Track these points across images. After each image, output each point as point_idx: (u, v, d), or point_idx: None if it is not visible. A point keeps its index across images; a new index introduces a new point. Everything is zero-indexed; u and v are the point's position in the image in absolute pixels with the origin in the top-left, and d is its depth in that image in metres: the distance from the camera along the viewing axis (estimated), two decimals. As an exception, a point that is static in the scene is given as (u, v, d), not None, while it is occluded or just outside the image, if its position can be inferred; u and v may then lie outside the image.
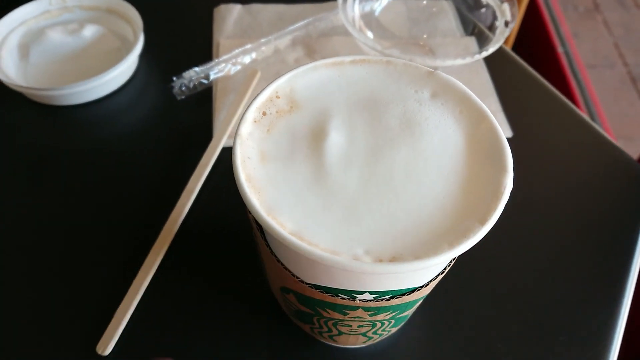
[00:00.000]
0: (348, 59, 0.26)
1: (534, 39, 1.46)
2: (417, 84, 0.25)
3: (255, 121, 0.24)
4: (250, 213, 0.25)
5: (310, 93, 0.25)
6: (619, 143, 0.44)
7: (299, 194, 0.21)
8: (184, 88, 0.43)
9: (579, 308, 0.33)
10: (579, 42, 1.67)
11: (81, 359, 0.30)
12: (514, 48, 1.38)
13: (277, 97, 0.25)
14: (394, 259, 0.19)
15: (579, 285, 0.34)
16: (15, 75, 0.42)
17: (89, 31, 0.45)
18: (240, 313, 0.32)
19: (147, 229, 0.35)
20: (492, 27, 0.44)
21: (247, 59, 0.45)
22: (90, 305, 0.32)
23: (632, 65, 1.65)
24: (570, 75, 1.36)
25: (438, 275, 0.24)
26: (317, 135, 0.23)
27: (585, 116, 0.44)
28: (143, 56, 0.46)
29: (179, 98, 0.43)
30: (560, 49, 1.41)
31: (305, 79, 0.25)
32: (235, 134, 0.23)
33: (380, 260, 0.19)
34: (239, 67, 0.45)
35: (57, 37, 0.44)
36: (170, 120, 0.43)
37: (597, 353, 0.32)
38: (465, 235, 0.20)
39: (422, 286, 0.24)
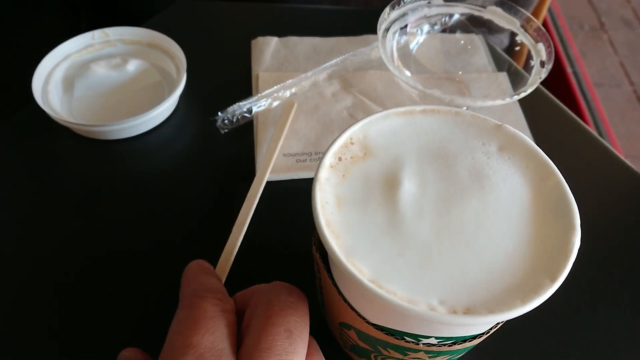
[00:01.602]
0: (419, 108, 0.27)
1: None
2: (485, 136, 0.26)
3: (331, 166, 0.25)
4: (316, 249, 0.27)
5: (382, 140, 0.26)
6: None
7: (375, 239, 0.22)
8: (226, 121, 0.44)
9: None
10: (585, 61, 1.68)
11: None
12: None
13: (352, 143, 0.26)
14: (468, 311, 0.20)
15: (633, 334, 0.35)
16: (60, 108, 0.43)
17: (132, 65, 0.46)
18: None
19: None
20: (525, 65, 0.45)
21: (287, 94, 0.46)
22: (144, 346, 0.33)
23: (638, 84, 1.66)
24: (579, 95, 1.37)
25: (499, 322, 0.25)
26: (390, 183, 0.24)
27: (617, 152, 0.45)
28: (183, 89, 0.48)
29: (222, 132, 0.44)
30: (569, 69, 1.42)
31: (378, 127, 0.26)
32: (314, 179, 0.24)
33: (455, 312, 0.20)
34: (279, 101, 0.46)
35: (101, 71, 0.45)
36: (213, 153, 0.43)
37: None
38: (536, 291, 0.21)
39: (483, 333, 0.24)
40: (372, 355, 0.28)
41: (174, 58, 0.47)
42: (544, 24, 1.50)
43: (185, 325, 0.25)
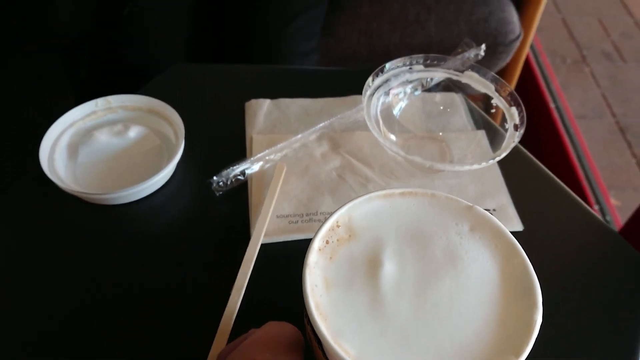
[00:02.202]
0: (398, 191, 0.30)
1: (529, 97, 1.52)
2: (458, 217, 0.29)
3: (319, 249, 0.28)
4: (307, 322, 0.29)
5: (365, 222, 0.29)
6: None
7: (359, 320, 0.25)
8: (221, 184, 0.46)
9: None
10: (568, 95, 1.74)
11: None
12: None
13: (338, 225, 0.29)
14: (442, 386, 0.23)
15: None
16: (64, 174, 0.46)
17: (133, 132, 0.48)
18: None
19: (199, 325, 0.38)
20: (502, 125, 0.48)
21: (278, 156, 0.49)
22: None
23: (620, 115, 1.71)
24: (562, 129, 1.42)
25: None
26: (372, 263, 0.27)
27: (590, 209, 0.48)
28: (186, 159, 0.50)
29: (217, 194, 0.47)
30: (552, 105, 1.47)
31: (362, 209, 0.29)
32: (304, 264, 0.27)
33: (430, 386, 0.23)
34: (271, 163, 0.49)
35: (104, 138, 0.48)
36: (209, 215, 0.46)
37: None
38: (502, 366, 0.23)
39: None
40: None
41: (172, 124, 0.49)
42: (526, 61, 1.56)
43: None
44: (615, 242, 0.46)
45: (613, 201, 1.42)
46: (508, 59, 0.98)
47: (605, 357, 0.39)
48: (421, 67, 0.51)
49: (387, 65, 0.49)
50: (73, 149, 0.48)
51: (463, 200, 0.30)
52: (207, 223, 0.45)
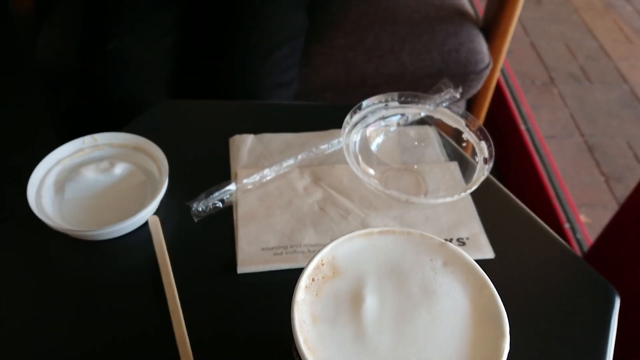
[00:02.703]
0: (377, 230, 0.33)
1: (501, 120, 1.58)
2: (432, 253, 0.32)
3: (306, 287, 0.30)
4: (296, 355, 0.31)
5: (348, 260, 0.31)
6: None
7: (345, 353, 0.27)
8: (200, 209, 0.48)
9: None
10: (538, 115, 1.81)
11: None
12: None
13: (322, 264, 0.31)
14: (420, 413, 0.25)
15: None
16: (51, 210, 0.47)
17: (119, 169, 0.50)
18: None
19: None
20: (473, 156, 0.51)
21: (257, 184, 0.52)
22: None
23: (588, 135, 1.78)
24: (532, 149, 1.48)
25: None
26: (355, 299, 0.29)
27: (557, 237, 0.51)
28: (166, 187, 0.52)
29: (195, 220, 0.49)
30: (522, 127, 1.53)
31: (344, 248, 0.32)
32: (292, 301, 0.29)
33: (410, 414, 0.25)
34: (250, 189, 0.51)
35: (90, 175, 0.50)
36: (192, 244, 0.48)
37: None
38: (475, 391, 0.26)
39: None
40: None
41: (156, 161, 0.51)
42: (497, 84, 1.62)
43: None
44: (581, 267, 0.50)
45: (583, 218, 1.48)
46: (479, 86, 1.02)
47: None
48: (396, 103, 0.54)
49: (364, 102, 0.52)
50: (59, 186, 0.50)
51: (436, 238, 0.33)
52: (190, 253, 0.47)
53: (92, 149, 0.52)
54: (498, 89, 1.62)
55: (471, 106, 1.13)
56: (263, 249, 0.47)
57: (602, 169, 1.69)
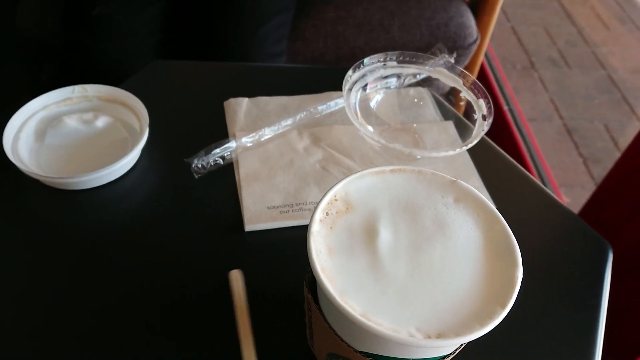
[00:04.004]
0: (388, 168, 0.33)
1: None
2: (443, 190, 0.32)
3: (321, 221, 0.30)
4: (306, 285, 0.31)
5: (360, 196, 0.31)
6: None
7: (361, 281, 0.27)
8: (201, 166, 0.48)
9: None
10: (520, 98, 1.84)
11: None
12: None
13: (336, 199, 0.31)
14: (440, 335, 0.26)
15: (557, 343, 0.41)
16: (28, 157, 0.46)
17: (101, 122, 0.50)
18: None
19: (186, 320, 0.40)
20: (469, 116, 0.52)
21: (256, 143, 0.51)
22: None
23: (567, 118, 1.82)
24: (515, 130, 1.51)
25: (462, 345, 0.30)
26: (369, 232, 0.29)
27: (550, 192, 0.52)
28: (154, 144, 0.51)
29: (196, 176, 0.48)
30: (505, 107, 1.55)
31: (356, 185, 0.32)
32: (308, 232, 0.29)
33: (429, 337, 0.25)
34: (250, 147, 0.51)
35: (72, 124, 0.49)
36: (194, 203, 0.47)
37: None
38: (490, 317, 0.26)
39: (451, 354, 0.30)
40: (357, 380, 0.33)
41: (141, 119, 0.50)
42: (481, 66, 1.64)
43: None
44: (572, 221, 0.51)
45: (563, 198, 1.51)
46: (466, 62, 1.03)
47: (568, 327, 0.43)
48: (394, 63, 0.54)
49: (366, 60, 0.52)
50: (40, 134, 0.49)
51: (447, 176, 0.33)
52: (193, 211, 0.47)
53: (80, 99, 0.51)
54: (482, 70, 1.64)
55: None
56: (269, 208, 0.47)
57: (580, 150, 1.72)
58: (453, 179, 0.33)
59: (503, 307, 0.27)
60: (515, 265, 0.28)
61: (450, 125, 0.55)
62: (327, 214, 0.30)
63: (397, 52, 0.53)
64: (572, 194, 1.55)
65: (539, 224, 0.50)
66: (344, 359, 0.31)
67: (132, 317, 0.39)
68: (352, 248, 0.29)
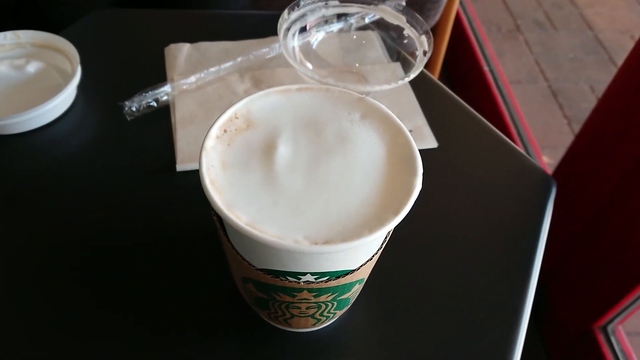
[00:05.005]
0: (295, 87, 0.32)
1: (462, 59, 1.58)
2: (350, 107, 0.31)
3: (217, 137, 0.29)
4: (214, 213, 0.31)
5: (263, 114, 0.30)
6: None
7: (253, 193, 0.27)
8: (134, 108, 0.47)
9: (495, 290, 0.40)
10: (504, 61, 1.82)
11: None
12: (444, 66, 1.50)
13: (236, 117, 0.30)
14: (327, 242, 0.25)
15: (492, 275, 0.41)
16: None
17: (33, 67, 0.48)
18: (208, 306, 0.37)
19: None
20: (413, 55, 0.51)
21: (194, 85, 0.50)
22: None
23: (552, 80, 1.80)
24: (496, 91, 1.49)
25: (367, 261, 0.30)
26: (268, 148, 0.29)
27: (494, 128, 0.51)
28: (91, 89, 0.50)
29: (129, 119, 0.47)
30: (485, 67, 1.53)
31: (260, 103, 0.31)
32: (201, 147, 0.28)
33: (316, 243, 0.25)
34: (187, 89, 0.49)
35: (2, 69, 0.47)
36: (126, 145, 0.47)
37: (511, 324, 0.38)
38: (382, 223, 0.26)
39: (353, 270, 0.29)
40: (270, 304, 0.32)
41: (72, 60, 0.49)
42: (461, 26, 1.61)
43: None
44: (521, 159, 0.50)
45: (546, 159, 1.50)
46: (437, 17, 1.01)
47: (507, 258, 0.43)
48: (336, 2, 0.53)
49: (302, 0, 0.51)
50: None
51: (355, 93, 0.32)
52: (124, 153, 0.46)
53: (13, 46, 0.50)
54: (462, 32, 1.61)
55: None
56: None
57: (565, 112, 1.71)
58: (361, 96, 0.32)
59: (396, 214, 0.26)
60: (414, 174, 0.28)
61: (397, 66, 0.54)
62: (225, 130, 0.29)
63: (337, -11, 0.52)
64: (556, 154, 1.54)
65: (485, 161, 0.49)
66: (252, 281, 0.31)
67: (60, 266, 0.39)
68: (248, 163, 0.28)
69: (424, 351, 0.36)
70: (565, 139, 1.62)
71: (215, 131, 0.29)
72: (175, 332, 0.36)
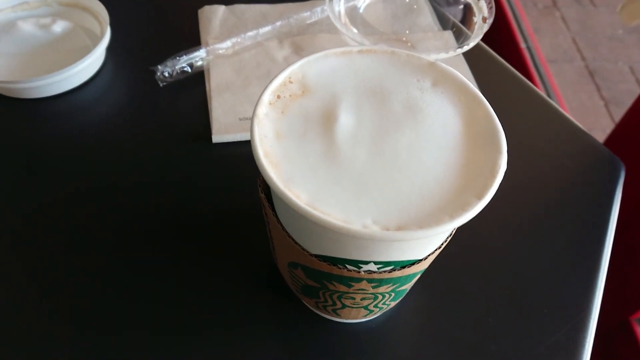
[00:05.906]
0: (356, 49, 0.28)
1: (499, 35, 1.51)
2: (419, 73, 0.27)
3: (270, 103, 0.25)
4: (262, 189, 0.27)
5: (321, 79, 0.27)
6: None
7: (312, 168, 0.23)
8: (166, 74, 0.44)
9: (559, 283, 0.36)
10: (539, 38, 1.74)
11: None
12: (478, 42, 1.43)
13: (290, 82, 0.26)
14: (400, 228, 0.21)
15: (559, 262, 0.37)
16: None
17: (60, 27, 0.45)
18: (247, 290, 0.34)
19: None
20: (468, 23, 0.46)
21: (230, 51, 0.46)
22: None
23: (589, 59, 1.73)
24: (533, 70, 1.42)
25: (436, 250, 0.26)
26: (327, 117, 0.25)
27: (557, 105, 0.47)
28: (121, 53, 0.47)
29: (161, 84, 0.44)
30: (522, 45, 1.46)
31: (317, 66, 0.27)
32: (252, 115, 0.24)
33: (387, 229, 0.21)
34: (223, 54, 0.46)
35: (27, 29, 0.44)
36: (159, 112, 0.43)
37: (577, 324, 0.34)
38: (464, 208, 0.22)
39: (421, 259, 0.26)
40: (320, 293, 0.29)
41: (102, 23, 0.46)
42: (498, 3, 1.54)
43: None
44: (581, 136, 0.45)
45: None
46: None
47: (576, 244, 0.39)
48: (386, -37, 0.48)
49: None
50: None
51: (425, 57, 0.28)
52: (157, 121, 0.43)
53: (39, 4, 0.47)
54: (498, 7, 1.54)
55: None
56: (240, 119, 0.42)
57: (602, 93, 1.64)
58: (432, 61, 0.28)
59: (480, 198, 0.22)
60: (498, 152, 0.24)
61: (449, 34, 0.50)
62: (278, 96, 0.26)
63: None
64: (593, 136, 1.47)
65: (545, 141, 0.45)
66: (302, 267, 0.27)
67: (100, 231, 0.36)
68: (305, 133, 0.24)
69: (483, 348, 0.33)
70: (602, 121, 1.55)
71: (267, 97, 0.25)
72: (210, 316, 0.33)
